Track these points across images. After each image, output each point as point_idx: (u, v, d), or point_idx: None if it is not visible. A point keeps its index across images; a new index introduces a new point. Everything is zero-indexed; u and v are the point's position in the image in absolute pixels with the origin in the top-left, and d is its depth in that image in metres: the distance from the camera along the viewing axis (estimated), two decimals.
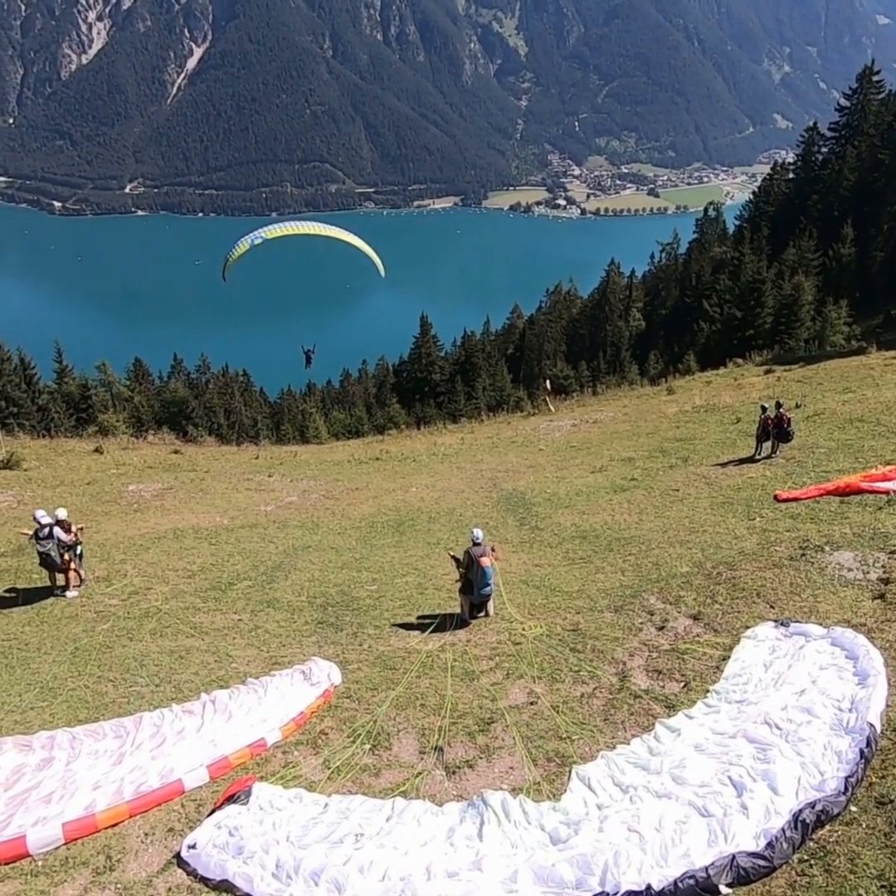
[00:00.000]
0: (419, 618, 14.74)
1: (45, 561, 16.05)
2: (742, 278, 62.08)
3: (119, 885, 7.48)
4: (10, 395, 52.07)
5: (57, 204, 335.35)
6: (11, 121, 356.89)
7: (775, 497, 18.44)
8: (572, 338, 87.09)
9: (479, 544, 13.90)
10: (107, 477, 30.10)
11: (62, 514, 16.56)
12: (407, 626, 14.28)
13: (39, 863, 7.77)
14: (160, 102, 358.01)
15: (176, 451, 38.54)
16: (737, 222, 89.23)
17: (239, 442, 51.17)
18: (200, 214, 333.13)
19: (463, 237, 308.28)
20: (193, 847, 7.81)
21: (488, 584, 13.83)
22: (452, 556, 14.59)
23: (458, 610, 14.41)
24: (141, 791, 8.84)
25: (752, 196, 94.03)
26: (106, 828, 8.31)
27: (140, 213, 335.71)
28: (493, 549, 14.43)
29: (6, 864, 7.72)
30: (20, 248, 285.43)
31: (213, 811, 8.46)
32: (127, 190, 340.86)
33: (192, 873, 7.59)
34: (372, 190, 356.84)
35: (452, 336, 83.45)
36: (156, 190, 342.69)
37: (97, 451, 35.65)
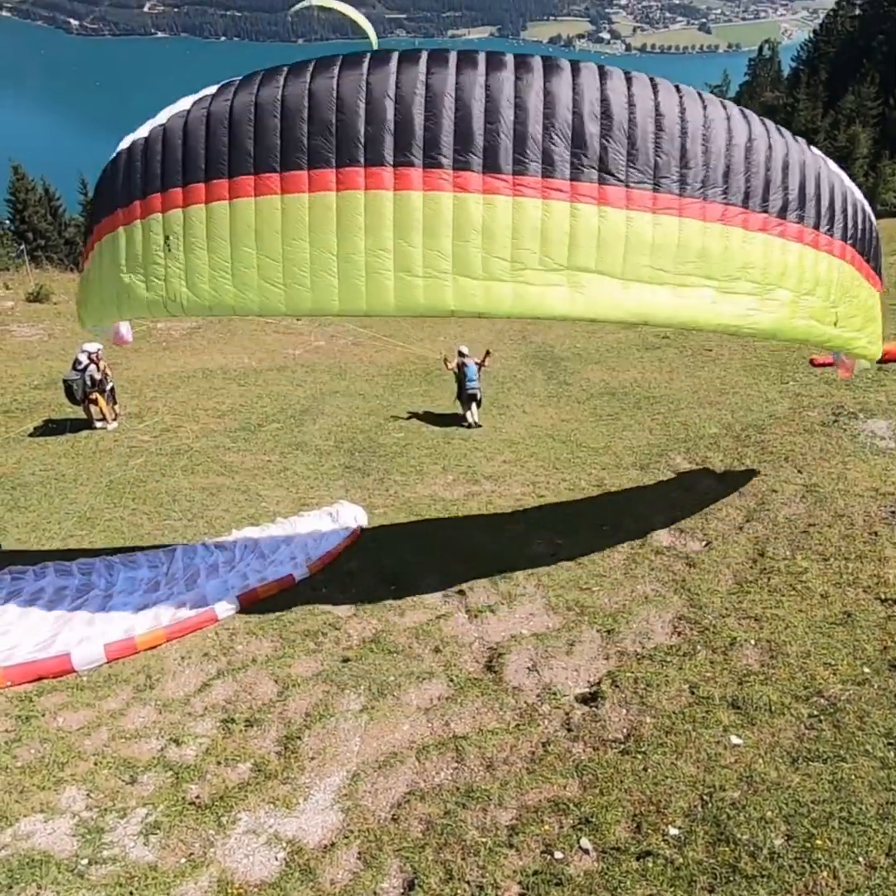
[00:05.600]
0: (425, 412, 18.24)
1: (69, 391, 16.31)
2: (794, 127, 58.26)
3: (158, 702, 7.96)
4: (37, 226, 51.24)
5: (74, 22, 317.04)
6: None
7: (811, 361, 17.93)
8: None
9: (464, 355, 17.80)
10: None
11: (93, 347, 16.67)
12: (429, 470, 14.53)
13: (84, 678, 8.26)
14: None
15: None
16: (793, 64, 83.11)
17: None
18: (223, 38, 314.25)
19: None
20: None
21: (472, 380, 17.39)
22: (444, 359, 18.08)
23: (462, 416, 17.64)
24: (177, 617, 9.28)
25: (812, 35, 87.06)
26: (145, 650, 8.76)
27: (160, 35, 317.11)
28: (488, 353, 18.17)
29: (53, 677, 8.22)
30: (38, 70, 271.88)
31: None
32: (145, 9, 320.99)
33: None
34: (404, 16, 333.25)
35: None
36: (176, 9, 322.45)
37: None
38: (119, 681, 8.26)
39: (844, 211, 8.27)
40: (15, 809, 6.37)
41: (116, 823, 6.31)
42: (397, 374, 22.67)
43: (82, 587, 10.08)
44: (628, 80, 6.99)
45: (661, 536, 11.06)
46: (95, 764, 7.00)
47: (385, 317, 6.87)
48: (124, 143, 7.67)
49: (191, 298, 7.14)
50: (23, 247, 42.76)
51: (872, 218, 9.12)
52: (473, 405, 17.60)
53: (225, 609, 9.58)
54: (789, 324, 7.76)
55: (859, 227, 8.61)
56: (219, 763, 7.04)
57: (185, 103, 7.33)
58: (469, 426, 17.32)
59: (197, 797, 6.62)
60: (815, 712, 6.93)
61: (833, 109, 63.32)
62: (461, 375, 17.54)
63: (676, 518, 11.53)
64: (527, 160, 6.73)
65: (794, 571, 9.54)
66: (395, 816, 6.37)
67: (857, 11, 77.63)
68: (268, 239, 6.92)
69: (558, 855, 5.76)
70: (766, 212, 7.41)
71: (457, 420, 17.56)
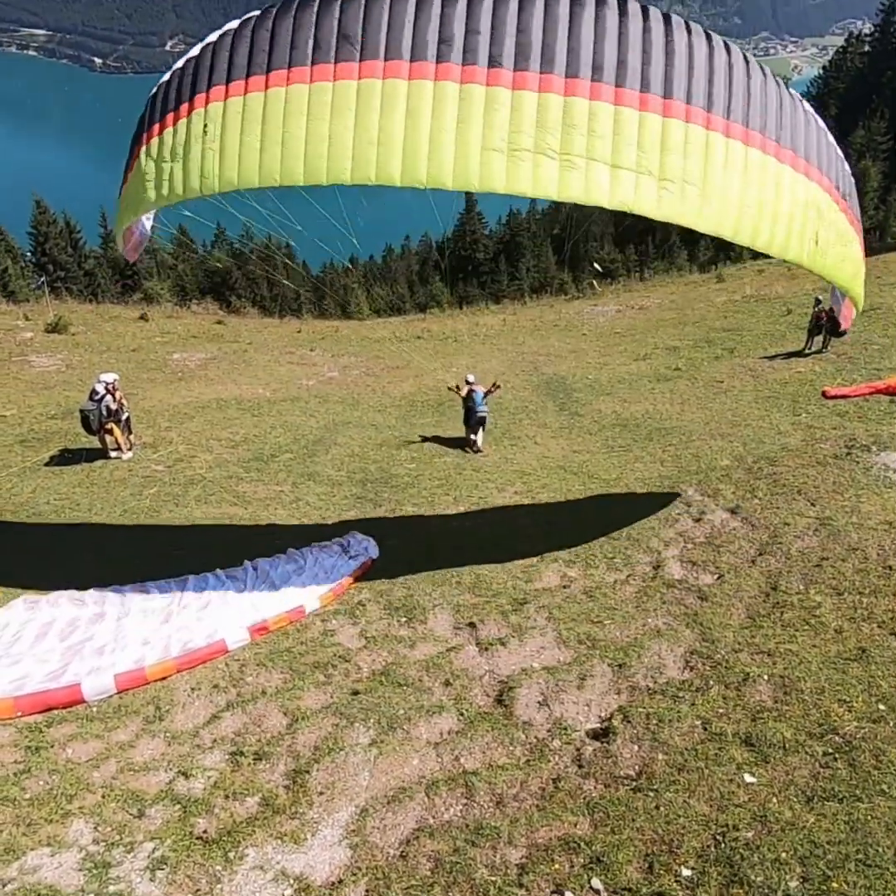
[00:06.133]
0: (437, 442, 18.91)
1: (85, 421, 16.50)
2: None
3: (167, 734, 7.93)
4: (57, 258, 52.28)
5: (97, 60, 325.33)
6: None
7: (823, 393, 17.91)
8: (621, 220, 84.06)
9: (471, 383, 18.88)
10: (152, 345, 30.35)
11: (110, 377, 16.89)
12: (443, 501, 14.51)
13: (94, 709, 8.24)
14: None
15: (219, 322, 38.63)
16: None
17: (281, 315, 51.03)
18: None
19: None
20: None
21: (480, 406, 18.25)
22: (456, 387, 19.19)
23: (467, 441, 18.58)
24: (188, 648, 9.26)
25: (821, 71, 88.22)
26: (155, 681, 8.74)
27: None
28: (497, 386, 18.92)
29: (64, 708, 8.21)
30: (63, 107, 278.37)
31: None
32: (167, 47, 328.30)
33: None
34: None
35: (498, 214, 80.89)
36: None
37: (142, 318, 35.92)
38: (129, 712, 8.23)
39: (819, 143, 8.85)
40: (22, 843, 6.33)
41: (123, 858, 6.26)
42: (410, 405, 22.79)
43: (94, 617, 10.09)
44: (621, 4, 7.79)
45: (673, 569, 11.00)
46: (103, 796, 6.96)
47: (386, 185, 7.77)
48: (178, 64, 8.71)
49: (223, 175, 7.92)
50: (43, 278, 43.49)
51: (845, 162, 9.61)
52: (480, 430, 18.56)
53: (235, 640, 9.56)
54: (769, 233, 8.20)
55: (834, 163, 9.13)
56: (227, 797, 6.99)
57: (232, 24, 8.40)
58: (473, 451, 18.28)
59: (204, 832, 6.56)
60: (830, 750, 6.83)
61: (843, 144, 63.86)
62: (470, 401, 18.48)
63: (688, 551, 11.48)
64: (529, 59, 7.55)
65: (807, 606, 9.47)
66: (404, 853, 6.29)
67: (867, 48, 78.59)
68: (294, 119, 7.77)
69: (569, 895, 5.67)
70: (746, 126, 8.03)
71: (463, 445, 18.56)
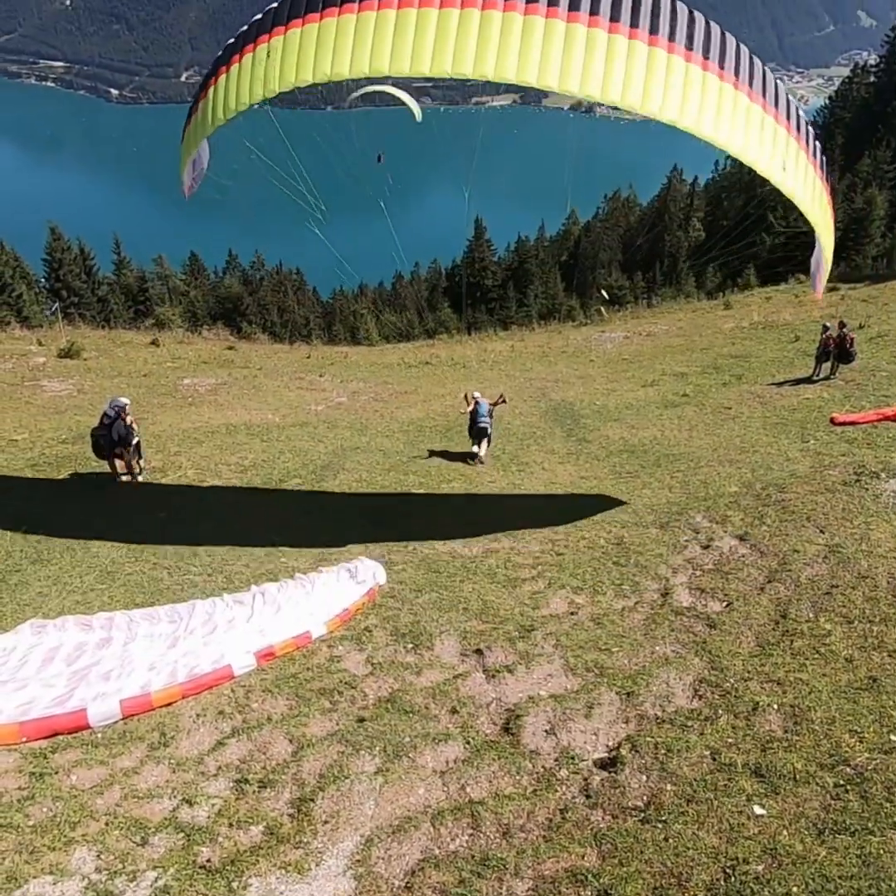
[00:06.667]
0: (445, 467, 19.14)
1: (96, 444, 16.57)
2: None
3: (172, 760, 7.87)
4: (71, 284, 52.91)
5: (114, 91, 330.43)
6: (68, 3, 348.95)
7: (831, 420, 17.99)
8: (629, 247, 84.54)
9: (476, 398, 19.85)
10: (162, 370, 30.57)
11: (121, 402, 16.99)
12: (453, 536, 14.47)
13: (99, 735, 8.20)
14: None
15: (230, 347, 38.90)
16: None
17: (291, 340, 51.42)
18: (256, 106, 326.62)
19: (520, 137, 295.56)
20: None
21: (483, 416, 19.48)
22: (465, 397, 20.30)
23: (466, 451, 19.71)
24: (193, 674, 9.22)
25: (827, 101, 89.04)
26: (160, 707, 8.70)
27: None
28: (504, 399, 20.37)
29: (68, 733, 8.18)
30: (79, 137, 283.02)
31: None
32: (183, 78, 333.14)
33: None
34: (430, 84, 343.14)
35: (506, 241, 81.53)
36: None
37: (154, 343, 36.22)
38: (134, 738, 8.19)
39: (789, 108, 10.53)
40: (25, 871, 6.28)
41: (126, 887, 6.20)
42: (418, 431, 22.84)
43: (101, 641, 10.07)
44: None
45: (681, 596, 10.93)
46: (107, 824, 6.90)
47: (419, 75, 9.82)
48: (243, 28, 11.05)
49: (282, 78, 10.24)
50: (57, 304, 43.97)
51: (817, 140, 11.19)
52: (484, 443, 19.63)
53: (242, 666, 9.53)
54: (743, 142, 9.86)
55: (803, 128, 10.76)
56: (231, 825, 6.92)
57: None
58: (474, 462, 19.16)
59: (208, 860, 6.49)
60: (841, 782, 6.72)
61: (850, 172, 64.40)
62: (473, 413, 19.82)
63: (696, 578, 11.41)
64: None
65: (817, 634, 9.37)
66: (409, 885, 6.21)
67: (872, 79, 79.37)
68: (343, 37, 9.91)
69: None
70: (721, 67, 9.84)
71: (464, 457, 19.41)
